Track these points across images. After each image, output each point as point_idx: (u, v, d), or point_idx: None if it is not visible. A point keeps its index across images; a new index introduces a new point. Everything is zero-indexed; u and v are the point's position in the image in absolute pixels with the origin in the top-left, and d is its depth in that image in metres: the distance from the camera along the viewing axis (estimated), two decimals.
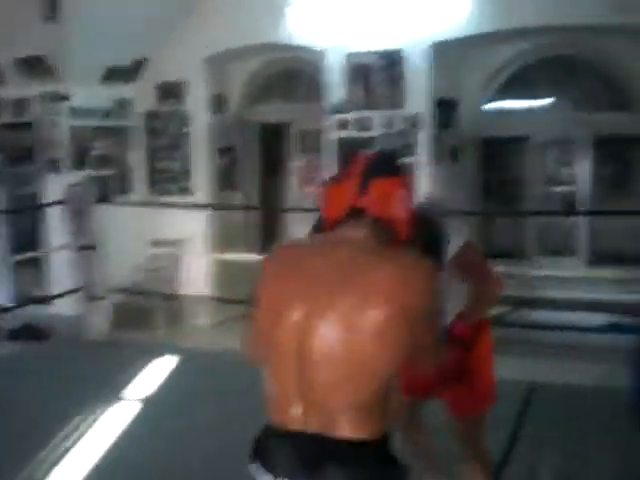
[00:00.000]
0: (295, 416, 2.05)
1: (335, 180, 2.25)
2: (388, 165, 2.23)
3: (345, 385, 1.99)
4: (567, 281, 7.32)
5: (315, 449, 2.01)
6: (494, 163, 8.62)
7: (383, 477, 2.03)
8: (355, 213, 2.14)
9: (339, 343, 1.98)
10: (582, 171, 7.76)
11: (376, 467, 2.02)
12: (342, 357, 1.99)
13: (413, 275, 2.03)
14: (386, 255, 2.09)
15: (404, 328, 1.98)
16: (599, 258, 7.70)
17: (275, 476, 2.07)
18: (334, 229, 2.19)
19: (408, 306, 1.98)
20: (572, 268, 7.62)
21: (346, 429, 2.00)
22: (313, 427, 2.02)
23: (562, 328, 6.82)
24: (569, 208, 7.89)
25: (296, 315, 2.04)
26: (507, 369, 6.55)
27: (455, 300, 3.24)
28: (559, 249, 7.89)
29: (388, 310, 1.97)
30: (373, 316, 1.97)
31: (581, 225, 7.71)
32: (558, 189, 7.96)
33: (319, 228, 2.38)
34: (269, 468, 2.08)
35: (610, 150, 7.84)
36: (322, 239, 2.27)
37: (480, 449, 3.61)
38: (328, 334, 1.99)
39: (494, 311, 7.37)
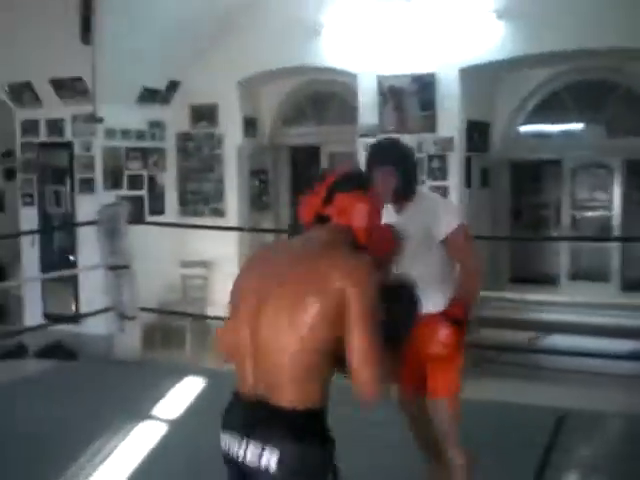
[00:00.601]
0: (248, 383, 2.43)
1: (311, 193, 2.67)
2: (351, 182, 2.64)
3: (282, 357, 2.33)
4: (600, 307, 7.22)
5: (254, 411, 2.39)
6: (525, 187, 8.58)
7: (302, 444, 2.32)
8: (321, 219, 2.59)
9: (282, 323, 2.33)
10: (614, 196, 7.67)
11: (300, 434, 2.32)
12: (283, 333, 2.32)
13: (351, 267, 2.36)
14: (333, 249, 2.46)
15: (335, 311, 2.28)
16: (632, 284, 7.60)
17: (223, 429, 2.45)
18: (307, 231, 2.62)
19: (342, 292, 2.29)
20: (605, 294, 7.53)
21: (282, 398, 2.33)
22: (260, 393, 2.38)
23: (593, 355, 6.74)
24: (602, 233, 7.81)
25: (250, 299, 2.44)
26: (537, 395, 6.53)
27: (447, 284, 3.66)
28: (592, 275, 7.80)
29: (324, 293, 2.30)
30: (311, 297, 2.30)
31: (614, 251, 7.61)
32: (590, 214, 7.89)
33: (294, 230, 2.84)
34: (223, 424, 2.47)
35: None
36: (295, 239, 2.69)
37: (455, 443, 3.65)
38: (273, 315, 2.35)
39: (526, 337, 7.34)
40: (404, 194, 3.63)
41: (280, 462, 2.30)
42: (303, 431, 2.34)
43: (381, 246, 2.87)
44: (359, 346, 2.28)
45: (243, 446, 2.38)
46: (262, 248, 2.82)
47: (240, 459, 2.39)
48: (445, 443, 3.64)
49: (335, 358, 2.35)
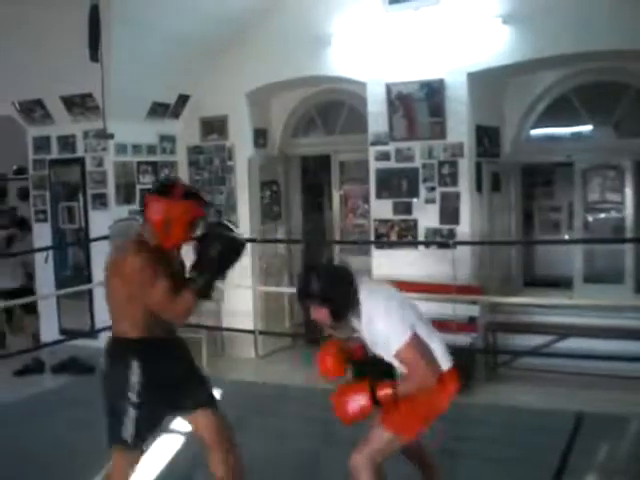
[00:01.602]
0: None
1: None
2: (156, 188, 3.84)
3: (114, 314, 3.76)
4: (614, 309, 7.19)
5: (109, 340, 3.86)
6: (536, 190, 8.58)
7: (123, 360, 3.67)
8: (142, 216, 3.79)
9: (110, 290, 3.74)
10: (626, 197, 7.63)
11: (123, 352, 3.69)
12: (111, 295, 3.74)
13: (127, 260, 3.61)
14: (129, 246, 3.72)
15: (124, 286, 3.60)
16: None
17: None
18: None
19: (124, 275, 3.58)
20: (619, 296, 7.49)
21: (115, 332, 3.77)
22: (112, 332, 3.84)
23: (609, 358, 6.72)
24: (615, 235, 7.77)
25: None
26: (554, 399, 6.53)
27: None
28: (605, 277, 7.75)
29: (116, 276, 3.65)
30: (114, 277, 3.68)
31: (627, 252, 7.56)
32: (602, 216, 7.85)
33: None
34: None
35: None
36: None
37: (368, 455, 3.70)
38: (109, 291, 3.75)
39: (538, 341, 7.32)
40: (342, 317, 3.70)
41: (104, 365, 3.81)
42: (118, 349, 3.73)
43: (172, 239, 3.70)
44: (156, 299, 3.56)
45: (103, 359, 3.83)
46: None
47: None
48: (361, 449, 3.71)
49: (146, 310, 3.61)
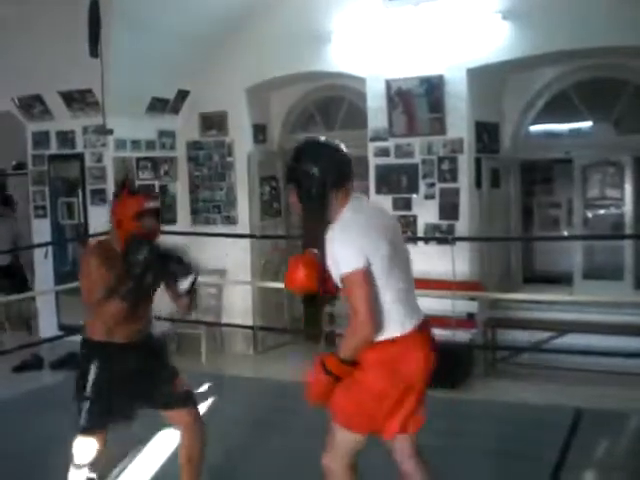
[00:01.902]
0: None
1: None
2: (117, 190, 4.15)
3: (87, 311, 3.95)
4: (613, 306, 7.19)
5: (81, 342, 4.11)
6: (536, 186, 8.57)
7: (86, 359, 3.99)
8: None
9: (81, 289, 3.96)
10: (625, 193, 7.62)
11: (86, 352, 4.02)
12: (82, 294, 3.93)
13: (84, 262, 3.92)
14: (89, 249, 4.30)
15: (84, 279, 3.87)
16: None
17: None
18: None
19: (82, 275, 3.89)
20: (618, 292, 7.48)
21: (89, 332, 4.00)
22: None
23: (608, 354, 6.72)
24: (614, 231, 7.77)
25: None
26: (553, 395, 6.54)
27: None
28: (605, 273, 7.74)
29: (80, 276, 3.95)
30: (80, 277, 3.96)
31: (627, 249, 7.56)
32: (601, 212, 7.85)
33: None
34: None
35: None
36: None
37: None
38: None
39: (537, 337, 7.33)
40: (310, 205, 3.39)
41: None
42: (84, 349, 4.02)
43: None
44: (92, 301, 3.79)
45: None
46: None
47: None
48: (329, 448, 3.50)
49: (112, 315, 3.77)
